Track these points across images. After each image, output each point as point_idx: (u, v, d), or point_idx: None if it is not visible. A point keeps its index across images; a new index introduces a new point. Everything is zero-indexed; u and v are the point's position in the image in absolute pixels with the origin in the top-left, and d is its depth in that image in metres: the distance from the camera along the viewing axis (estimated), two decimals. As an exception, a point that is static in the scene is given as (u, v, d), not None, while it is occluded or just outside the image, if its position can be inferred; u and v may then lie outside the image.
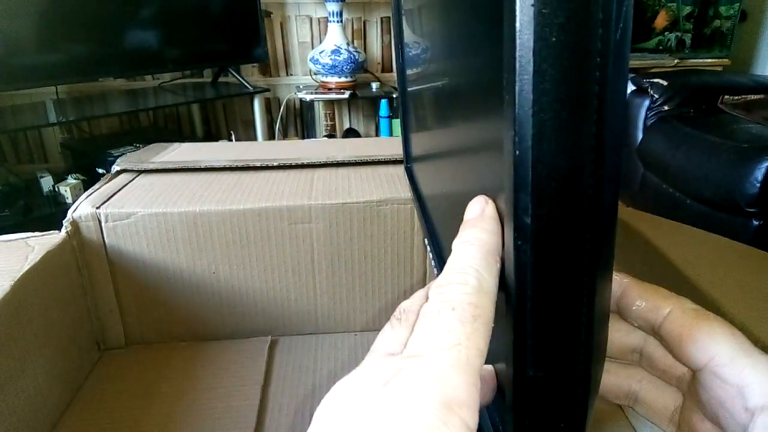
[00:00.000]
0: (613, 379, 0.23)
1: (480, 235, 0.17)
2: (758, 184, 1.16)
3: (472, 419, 0.14)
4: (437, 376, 0.14)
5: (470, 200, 0.18)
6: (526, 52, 0.13)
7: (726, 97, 1.56)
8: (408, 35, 0.40)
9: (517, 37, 0.13)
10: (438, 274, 0.30)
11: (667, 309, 0.20)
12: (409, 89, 0.44)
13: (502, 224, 0.17)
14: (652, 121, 1.58)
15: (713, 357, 0.18)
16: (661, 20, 2.25)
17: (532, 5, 0.12)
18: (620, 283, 0.22)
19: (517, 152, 0.13)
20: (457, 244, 0.17)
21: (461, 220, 0.18)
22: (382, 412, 0.14)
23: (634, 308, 0.21)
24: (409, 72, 0.42)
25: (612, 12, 0.12)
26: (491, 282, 0.16)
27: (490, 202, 0.17)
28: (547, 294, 0.15)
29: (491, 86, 0.16)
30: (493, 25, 0.15)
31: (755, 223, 1.21)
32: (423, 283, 0.54)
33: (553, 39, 0.12)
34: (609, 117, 0.13)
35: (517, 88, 0.13)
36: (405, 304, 0.18)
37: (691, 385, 0.20)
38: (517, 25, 0.12)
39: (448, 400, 0.14)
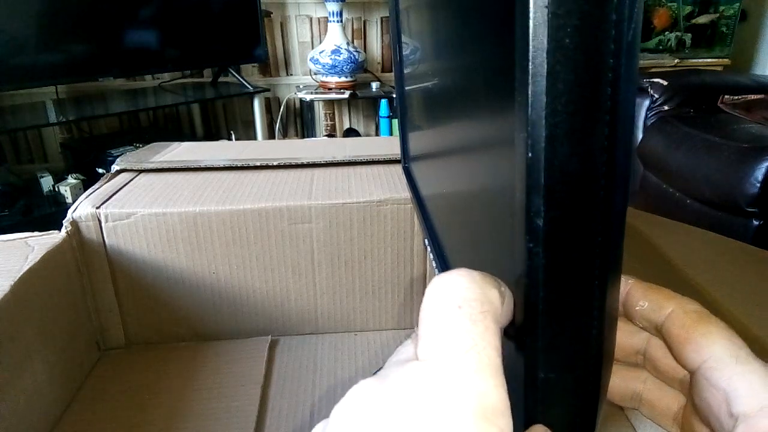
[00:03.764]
0: (618, 380, 0.23)
1: None
2: (758, 184, 1.16)
3: (509, 427, 0.13)
4: (465, 383, 0.13)
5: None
6: (539, 54, 0.12)
7: (726, 97, 1.56)
8: (409, 33, 0.40)
9: (531, 39, 0.12)
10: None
11: (669, 309, 0.20)
12: (409, 88, 0.44)
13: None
14: (652, 121, 1.58)
15: (706, 360, 0.18)
16: (661, 20, 2.25)
17: (546, 6, 0.12)
18: (625, 283, 0.22)
19: (530, 154, 0.13)
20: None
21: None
22: (414, 425, 0.13)
23: (637, 308, 0.21)
24: (409, 71, 0.42)
25: (625, 13, 0.12)
26: (487, 278, 0.16)
27: None
28: (559, 296, 0.15)
29: (500, 87, 0.16)
30: (502, 25, 0.15)
31: (755, 223, 1.21)
32: (423, 283, 0.54)
33: (567, 41, 0.12)
34: (621, 118, 0.13)
35: (530, 89, 0.13)
36: None
37: (690, 388, 0.20)
38: (531, 26, 0.12)
39: (484, 409, 0.13)
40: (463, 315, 0.14)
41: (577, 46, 0.12)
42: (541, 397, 0.16)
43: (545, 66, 0.13)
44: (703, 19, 2.25)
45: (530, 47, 0.13)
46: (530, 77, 0.13)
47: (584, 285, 0.15)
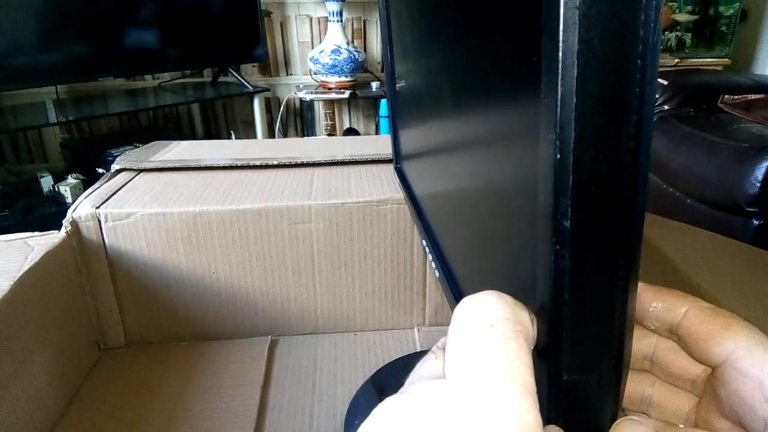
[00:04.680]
0: (627, 384, 0.23)
1: None
2: (758, 184, 1.16)
3: None
4: (499, 401, 0.13)
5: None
6: (569, 55, 0.12)
7: (726, 96, 1.56)
8: (407, 29, 0.40)
9: (560, 40, 0.12)
10: (440, 277, 0.30)
11: (684, 308, 0.20)
12: (406, 89, 0.43)
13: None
14: (652, 120, 1.58)
15: (732, 351, 0.18)
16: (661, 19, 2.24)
17: (577, 8, 0.12)
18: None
19: (558, 156, 0.13)
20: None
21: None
22: None
23: (650, 310, 0.21)
24: (407, 71, 0.42)
25: (651, 14, 0.12)
26: (516, 300, 0.16)
27: None
28: (585, 298, 0.15)
29: (520, 88, 0.16)
30: (523, 25, 0.15)
31: (755, 223, 1.21)
32: (423, 283, 0.54)
33: (597, 41, 0.12)
34: (645, 119, 0.13)
35: (559, 91, 0.13)
36: (445, 339, 0.18)
37: (709, 384, 0.20)
38: (561, 27, 0.12)
39: (520, 427, 0.13)
40: (496, 334, 0.14)
41: (607, 47, 0.12)
42: (564, 399, 0.16)
43: (575, 67, 0.12)
44: (681, 18, 2.25)
45: (560, 48, 0.12)
46: (559, 78, 0.13)
47: (609, 286, 0.15)
